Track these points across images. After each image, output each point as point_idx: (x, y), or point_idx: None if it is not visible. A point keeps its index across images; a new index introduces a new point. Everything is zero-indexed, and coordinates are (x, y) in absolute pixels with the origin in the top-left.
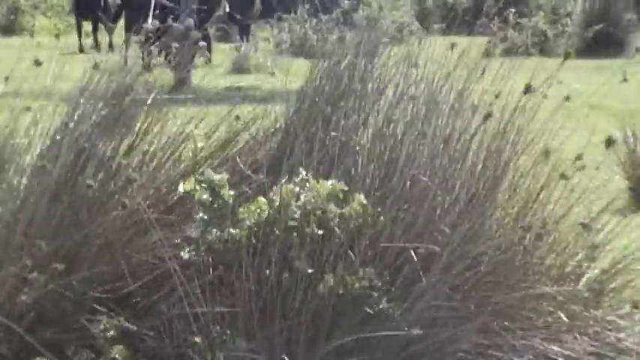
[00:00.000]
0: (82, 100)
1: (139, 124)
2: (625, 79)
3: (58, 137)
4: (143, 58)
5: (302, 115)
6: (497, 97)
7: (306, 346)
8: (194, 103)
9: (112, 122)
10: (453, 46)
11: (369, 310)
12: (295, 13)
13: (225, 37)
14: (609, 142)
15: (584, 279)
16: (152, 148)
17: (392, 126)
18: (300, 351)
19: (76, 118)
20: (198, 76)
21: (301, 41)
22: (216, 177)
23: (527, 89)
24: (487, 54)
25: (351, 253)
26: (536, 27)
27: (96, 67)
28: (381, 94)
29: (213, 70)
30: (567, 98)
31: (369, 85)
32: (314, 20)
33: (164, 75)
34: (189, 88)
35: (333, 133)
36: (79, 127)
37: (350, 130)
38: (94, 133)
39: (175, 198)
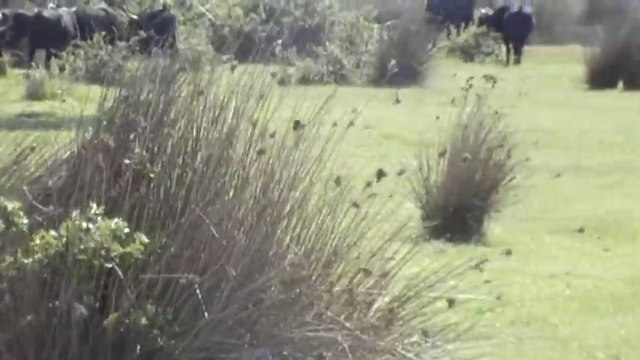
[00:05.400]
0: None
1: None
2: (398, 101)
3: None
4: None
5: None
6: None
7: None
8: None
9: None
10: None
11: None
12: (92, 39)
13: (19, 64)
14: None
15: (374, 307)
16: None
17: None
18: None
19: None
20: None
21: (97, 67)
22: (10, 205)
23: (296, 125)
24: (282, 82)
25: (132, 290)
26: (331, 56)
27: None
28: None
29: (4, 96)
30: (367, 127)
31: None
32: (109, 47)
33: None
34: None
35: (126, 161)
36: None
37: (143, 159)
38: None
39: None
